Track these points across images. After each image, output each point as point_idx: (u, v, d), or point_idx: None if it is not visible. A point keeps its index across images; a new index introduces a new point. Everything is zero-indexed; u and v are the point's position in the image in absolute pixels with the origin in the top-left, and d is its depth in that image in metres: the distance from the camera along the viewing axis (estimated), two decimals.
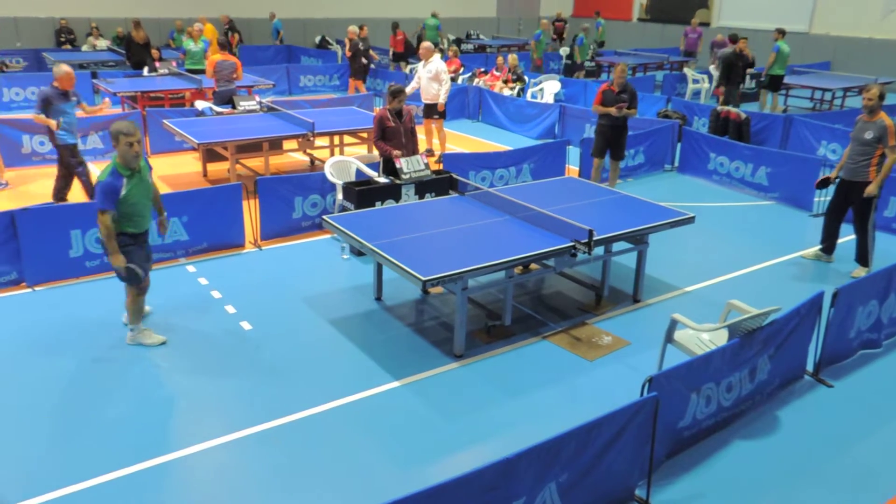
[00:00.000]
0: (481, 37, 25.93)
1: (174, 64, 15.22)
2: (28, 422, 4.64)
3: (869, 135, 6.88)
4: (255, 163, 10.35)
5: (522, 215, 6.24)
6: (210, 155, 10.03)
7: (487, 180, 9.53)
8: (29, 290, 6.51)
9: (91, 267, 6.80)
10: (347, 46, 15.62)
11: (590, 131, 11.48)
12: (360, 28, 16.18)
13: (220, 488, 4.12)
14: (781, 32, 14.96)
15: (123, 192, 5.12)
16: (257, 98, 11.61)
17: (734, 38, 15.24)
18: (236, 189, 7.54)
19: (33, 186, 9.57)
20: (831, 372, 5.45)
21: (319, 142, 10.47)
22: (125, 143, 5.11)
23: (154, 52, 15.75)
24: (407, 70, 17.89)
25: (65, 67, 8.03)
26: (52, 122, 7.95)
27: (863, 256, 7.20)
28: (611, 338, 5.91)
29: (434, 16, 20.81)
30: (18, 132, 10.41)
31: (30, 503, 3.93)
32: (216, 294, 6.54)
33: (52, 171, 10.09)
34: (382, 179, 7.68)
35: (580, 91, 16.03)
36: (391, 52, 19.36)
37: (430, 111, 11.29)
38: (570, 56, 20.15)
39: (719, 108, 12.50)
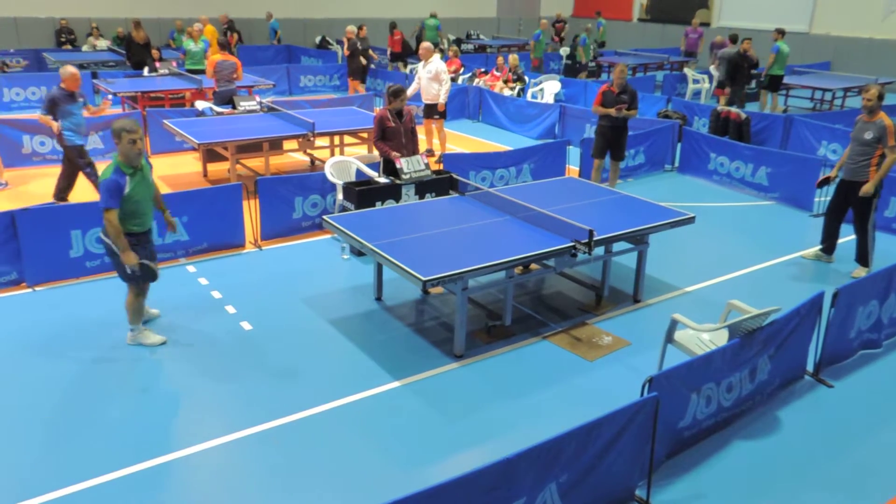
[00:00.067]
0: (481, 37, 25.93)
1: (174, 64, 15.22)
2: (28, 422, 4.64)
3: (868, 135, 6.88)
4: (255, 163, 10.35)
5: (523, 215, 6.24)
6: (210, 155, 10.03)
7: (488, 180, 9.53)
8: (29, 290, 6.52)
9: (91, 267, 6.80)
10: (346, 46, 15.63)
11: (590, 131, 11.48)
12: (360, 28, 16.19)
13: (220, 488, 4.12)
14: (781, 33, 14.97)
15: (127, 189, 5.11)
16: (257, 98, 11.61)
17: (734, 39, 15.25)
18: (236, 189, 7.55)
19: (33, 186, 9.57)
20: (831, 372, 5.45)
21: (319, 142, 10.46)
22: (128, 139, 5.11)
23: (154, 53, 15.76)
24: (407, 70, 17.89)
25: (71, 69, 8.06)
26: (55, 125, 7.99)
27: (863, 256, 7.20)
28: (611, 338, 5.91)
29: (434, 16, 20.81)
30: (19, 132, 10.41)
31: (29, 503, 3.93)
32: (216, 294, 6.54)
33: (53, 171, 10.14)
34: (383, 179, 7.68)
35: (580, 91, 16.03)
36: (389, 52, 19.36)
37: (431, 111, 11.29)
38: (570, 56, 20.15)
39: (719, 108, 12.51)
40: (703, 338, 4.95)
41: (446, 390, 5.11)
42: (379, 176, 7.91)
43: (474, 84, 16.11)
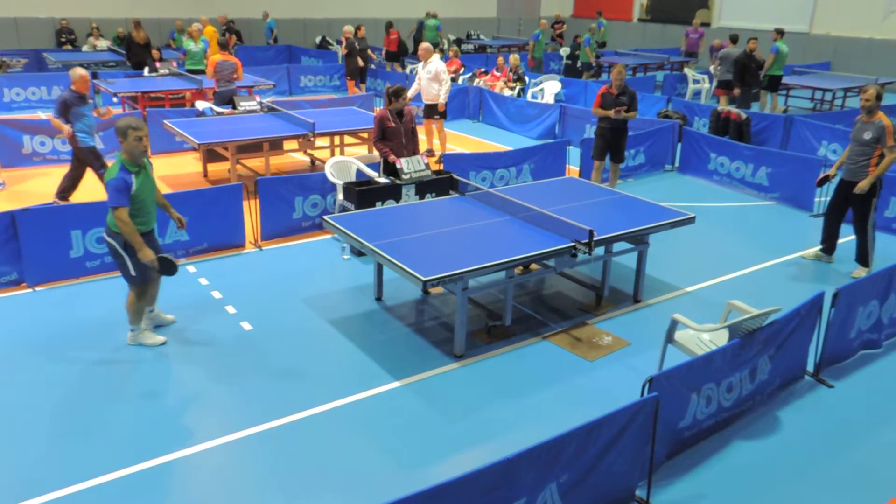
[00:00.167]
0: (481, 37, 25.94)
1: (174, 64, 15.23)
2: (28, 422, 4.64)
3: (868, 135, 6.88)
4: (255, 163, 10.35)
5: (523, 215, 6.24)
6: (210, 155, 10.03)
7: (488, 180, 9.54)
8: (29, 290, 6.52)
9: (92, 267, 6.80)
10: (343, 45, 15.65)
11: (590, 131, 11.48)
12: (357, 28, 16.20)
13: (220, 488, 4.12)
14: (780, 33, 14.98)
15: (134, 187, 5.12)
16: (258, 98, 11.61)
17: (734, 39, 15.26)
18: (237, 189, 7.55)
19: (33, 186, 9.57)
20: (832, 372, 5.45)
21: (320, 142, 10.47)
22: (134, 137, 5.10)
23: (154, 53, 15.76)
24: (407, 71, 17.89)
25: (80, 71, 8.09)
26: (66, 128, 8.03)
27: (863, 257, 7.20)
28: (611, 338, 5.91)
29: (433, 16, 20.80)
30: (19, 132, 10.42)
31: (30, 503, 3.93)
32: (217, 294, 6.54)
33: (53, 171, 10.19)
34: (383, 180, 7.69)
35: (580, 91, 16.03)
36: (384, 51, 19.38)
37: (431, 111, 11.29)
38: (570, 56, 20.15)
39: (720, 108, 12.51)
40: (704, 338, 4.95)
41: (446, 390, 5.11)
42: (379, 176, 7.91)
43: (474, 84, 16.11)
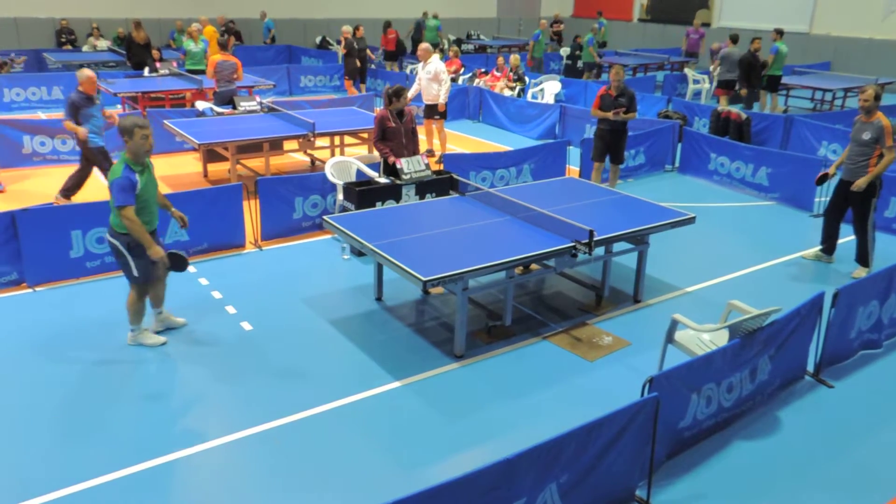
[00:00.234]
0: (482, 37, 25.94)
1: (174, 64, 15.23)
2: (28, 422, 4.64)
3: (867, 135, 6.89)
4: (255, 163, 10.35)
5: (523, 216, 6.24)
6: (210, 155, 10.03)
7: (488, 181, 9.54)
8: (30, 290, 6.52)
9: (92, 267, 6.80)
10: (343, 45, 15.67)
11: (590, 132, 11.47)
12: (356, 28, 16.21)
13: (220, 488, 4.12)
14: (780, 33, 14.99)
15: (139, 186, 5.11)
16: (258, 98, 11.61)
17: (735, 38, 15.26)
18: (237, 189, 7.55)
19: (34, 186, 9.57)
20: (832, 372, 5.45)
21: (320, 142, 10.47)
22: (141, 135, 5.12)
23: (154, 53, 15.77)
24: (407, 71, 17.90)
25: (87, 72, 8.12)
26: (82, 131, 8.06)
27: (863, 257, 7.20)
28: (611, 338, 5.91)
29: (433, 16, 20.80)
30: (19, 132, 10.42)
31: (30, 503, 3.93)
32: (217, 294, 6.54)
33: (53, 171, 10.20)
34: (383, 180, 7.69)
35: (580, 91, 16.04)
36: (381, 51, 19.39)
37: (431, 111, 11.29)
38: (570, 56, 20.15)
39: (720, 108, 12.51)
40: (704, 338, 4.96)
41: (447, 390, 5.11)
42: (379, 176, 7.91)
43: (474, 84, 16.11)
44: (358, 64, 15.97)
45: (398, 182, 7.57)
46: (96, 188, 8.88)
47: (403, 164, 7.66)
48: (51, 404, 4.84)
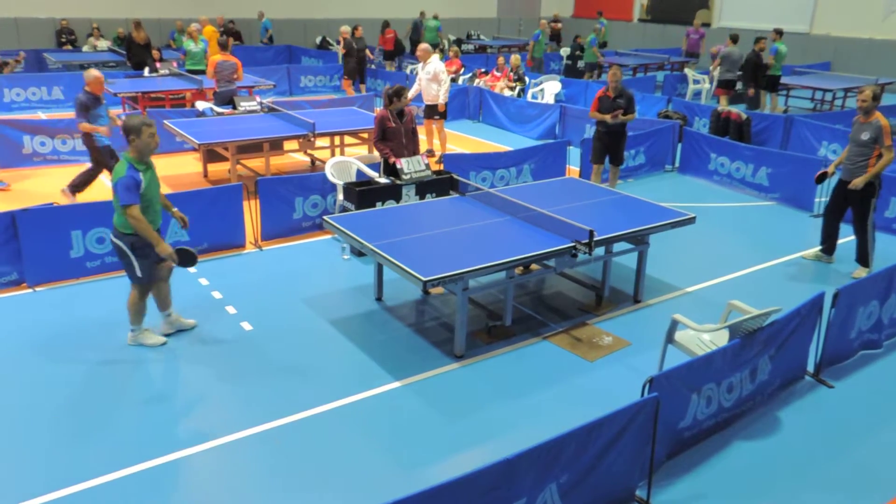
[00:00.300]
0: (482, 37, 25.94)
1: (174, 64, 15.24)
2: (29, 422, 4.64)
3: (865, 136, 6.89)
4: (255, 163, 10.35)
5: (523, 216, 6.24)
6: (211, 155, 10.03)
7: (488, 181, 9.54)
8: (30, 290, 6.52)
9: (92, 267, 6.80)
10: (342, 45, 15.68)
11: (590, 132, 11.47)
12: (355, 28, 16.22)
13: (220, 488, 4.12)
14: (779, 33, 14.99)
15: (143, 185, 5.12)
16: (258, 98, 11.62)
17: (735, 38, 15.26)
18: (237, 189, 7.55)
19: (34, 186, 9.57)
20: (832, 372, 5.45)
21: (320, 142, 10.47)
22: (148, 133, 5.15)
23: (155, 53, 15.77)
24: (408, 71, 17.91)
25: (94, 72, 8.14)
26: (103, 129, 8.09)
27: (863, 257, 7.20)
28: (611, 338, 5.91)
29: (434, 17, 20.81)
30: (19, 132, 10.42)
31: (31, 503, 3.94)
32: (217, 295, 6.54)
33: (53, 171, 10.21)
34: (383, 180, 7.69)
35: (580, 91, 16.04)
36: (377, 49, 19.39)
37: (431, 112, 11.30)
38: (570, 56, 20.16)
39: (720, 108, 12.51)
40: (704, 338, 4.95)
41: (447, 390, 5.11)
42: (379, 176, 7.91)
43: (475, 84, 16.11)
44: (356, 62, 15.96)
45: (398, 182, 7.57)
46: (97, 188, 8.88)
47: (403, 164, 7.66)
48: (51, 404, 4.84)
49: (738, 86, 15.33)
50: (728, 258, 7.67)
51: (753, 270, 7.41)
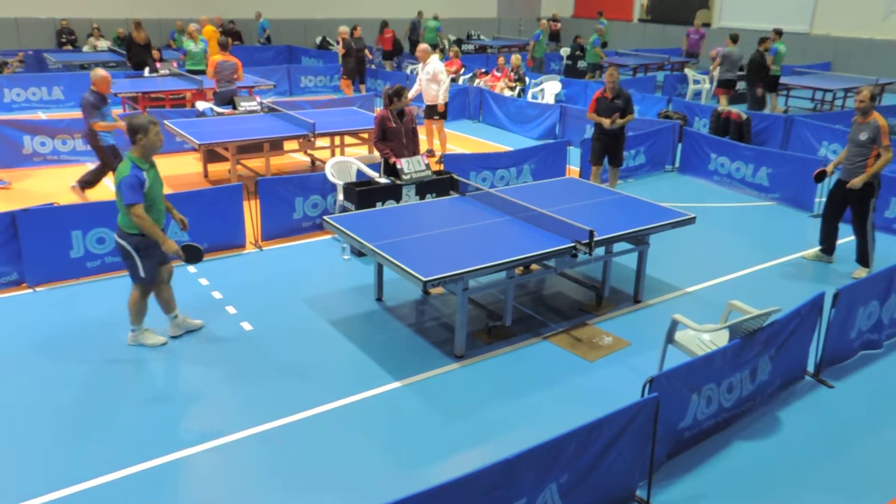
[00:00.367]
0: (482, 37, 25.94)
1: (175, 64, 15.24)
2: (29, 422, 4.64)
3: (864, 136, 6.90)
4: (255, 163, 10.35)
5: (523, 216, 6.24)
6: (211, 155, 10.03)
7: (488, 181, 9.54)
8: (30, 290, 6.52)
9: (92, 267, 6.80)
10: (341, 45, 15.68)
11: (590, 132, 11.47)
12: (354, 28, 16.22)
13: (220, 488, 4.12)
14: (778, 33, 14.99)
15: (147, 184, 5.12)
16: (258, 99, 11.62)
17: (735, 38, 15.26)
18: (237, 189, 7.55)
19: (34, 186, 9.57)
20: (832, 372, 5.45)
21: (320, 142, 10.47)
22: (154, 132, 5.15)
23: (155, 53, 15.77)
24: (408, 71, 17.91)
25: (101, 72, 8.16)
26: (122, 124, 8.08)
27: (863, 257, 7.21)
28: (611, 338, 5.91)
29: (434, 17, 20.81)
30: (19, 132, 10.42)
31: (31, 503, 3.94)
32: (217, 295, 6.54)
33: (54, 171, 10.22)
34: (383, 180, 7.69)
35: (581, 91, 16.04)
36: (376, 49, 19.39)
37: (431, 112, 11.30)
38: (570, 56, 20.16)
39: (720, 108, 12.51)
40: (704, 338, 4.96)
41: (447, 390, 5.11)
42: (379, 176, 7.91)
43: (475, 84, 16.11)
44: (355, 63, 15.97)
45: (398, 182, 7.57)
46: (98, 189, 8.87)
47: (404, 164, 7.66)
48: (51, 404, 4.84)
49: (739, 86, 15.33)
50: (728, 258, 7.67)
51: (753, 270, 7.41)
